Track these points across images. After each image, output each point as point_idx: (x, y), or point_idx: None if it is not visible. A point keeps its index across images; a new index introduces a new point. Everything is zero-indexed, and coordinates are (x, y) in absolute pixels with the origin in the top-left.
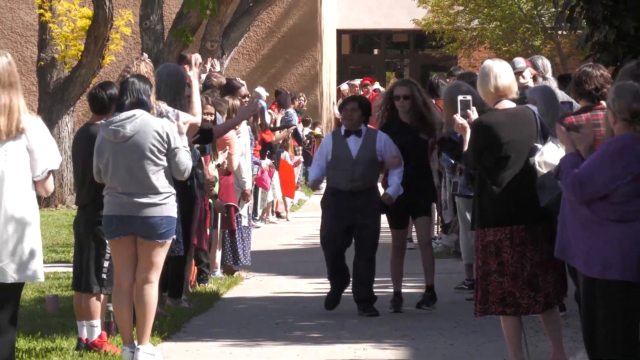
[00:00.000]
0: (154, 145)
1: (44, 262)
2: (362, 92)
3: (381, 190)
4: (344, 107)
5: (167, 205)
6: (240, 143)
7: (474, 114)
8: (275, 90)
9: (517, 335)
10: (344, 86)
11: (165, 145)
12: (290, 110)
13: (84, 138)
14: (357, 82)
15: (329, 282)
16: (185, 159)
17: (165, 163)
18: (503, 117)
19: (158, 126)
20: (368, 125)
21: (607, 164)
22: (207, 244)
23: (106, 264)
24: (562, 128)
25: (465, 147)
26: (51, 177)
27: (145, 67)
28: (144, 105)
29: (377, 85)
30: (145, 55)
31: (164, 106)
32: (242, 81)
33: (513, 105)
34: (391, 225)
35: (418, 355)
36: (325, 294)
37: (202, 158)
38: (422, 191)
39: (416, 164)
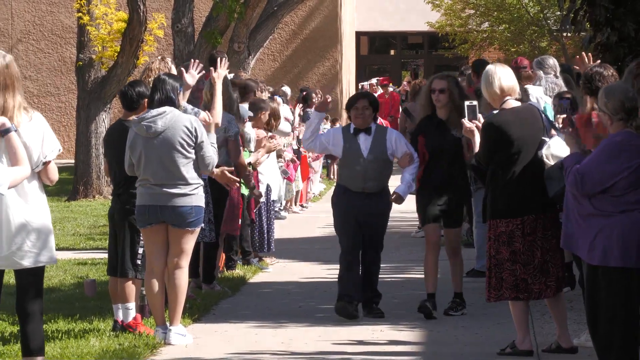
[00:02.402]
0: (183, 139)
1: (82, 250)
2: (381, 91)
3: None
4: (354, 105)
5: (196, 196)
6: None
7: (481, 118)
8: (300, 89)
9: (525, 319)
10: (373, 81)
11: (194, 139)
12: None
13: (117, 133)
14: (374, 80)
15: (338, 284)
16: (210, 153)
17: (193, 156)
18: (511, 115)
19: (187, 121)
20: (377, 123)
21: (607, 159)
22: (239, 231)
23: (140, 250)
24: (569, 130)
25: (476, 149)
26: (52, 167)
27: (159, 64)
28: (172, 102)
29: (390, 87)
30: (194, 61)
31: (183, 103)
32: (255, 82)
33: (518, 104)
34: (422, 222)
35: (432, 336)
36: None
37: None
38: (455, 195)
39: (450, 166)
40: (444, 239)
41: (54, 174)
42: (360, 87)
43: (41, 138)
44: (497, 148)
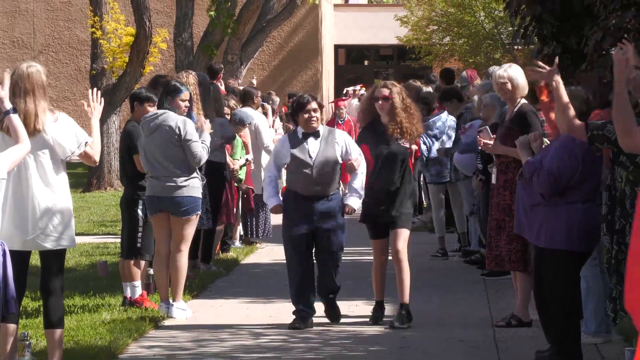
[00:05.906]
0: (171, 137)
1: (95, 235)
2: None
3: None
4: (304, 108)
5: (187, 187)
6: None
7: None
8: (288, 94)
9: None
10: (357, 87)
11: (179, 137)
12: None
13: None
14: (358, 87)
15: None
16: (196, 150)
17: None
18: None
19: (172, 122)
20: (324, 125)
21: (567, 156)
22: (234, 219)
23: (139, 235)
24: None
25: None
26: (90, 150)
27: (188, 77)
28: (164, 105)
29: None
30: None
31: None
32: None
33: None
34: (370, 236)
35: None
36: None
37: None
38: (400, 199)
39: (393, 176)
40: (390, 241)
41: (96, 155)
42: (345, 91)
43: (72, 131)
44: None
